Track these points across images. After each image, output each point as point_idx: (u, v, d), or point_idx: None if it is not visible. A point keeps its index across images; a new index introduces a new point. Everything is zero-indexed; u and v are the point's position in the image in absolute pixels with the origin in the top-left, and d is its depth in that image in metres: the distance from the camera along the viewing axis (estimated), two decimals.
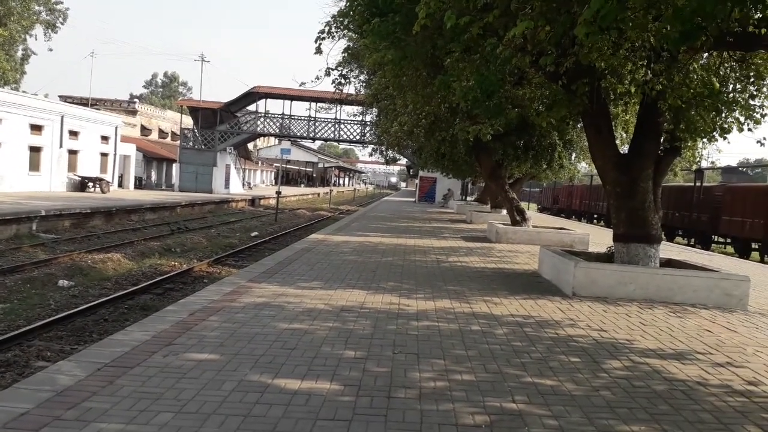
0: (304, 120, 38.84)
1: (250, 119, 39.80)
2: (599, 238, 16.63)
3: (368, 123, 36.17)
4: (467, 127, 10.13)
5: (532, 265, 10.14)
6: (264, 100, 40.05)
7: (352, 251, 10.94)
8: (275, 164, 69.74)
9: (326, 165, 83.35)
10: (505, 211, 20.22)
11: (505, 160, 16.72)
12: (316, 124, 38.88)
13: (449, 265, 9.71)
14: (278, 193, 27.13)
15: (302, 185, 73.58)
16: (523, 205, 19.20)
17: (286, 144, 66.34)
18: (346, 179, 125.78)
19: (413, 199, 45.59)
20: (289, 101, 38.98)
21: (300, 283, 7.28)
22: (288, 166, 78.48)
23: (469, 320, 5.79)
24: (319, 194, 59.20)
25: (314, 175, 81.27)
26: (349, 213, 33.62)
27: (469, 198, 44.44)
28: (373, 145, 29.98)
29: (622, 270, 7.41)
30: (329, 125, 38.81)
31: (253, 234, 20.32)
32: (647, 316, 6.40)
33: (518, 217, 15.43)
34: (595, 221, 33.76)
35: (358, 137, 38.46)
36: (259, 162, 66.35)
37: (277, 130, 39.37)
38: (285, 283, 7.22)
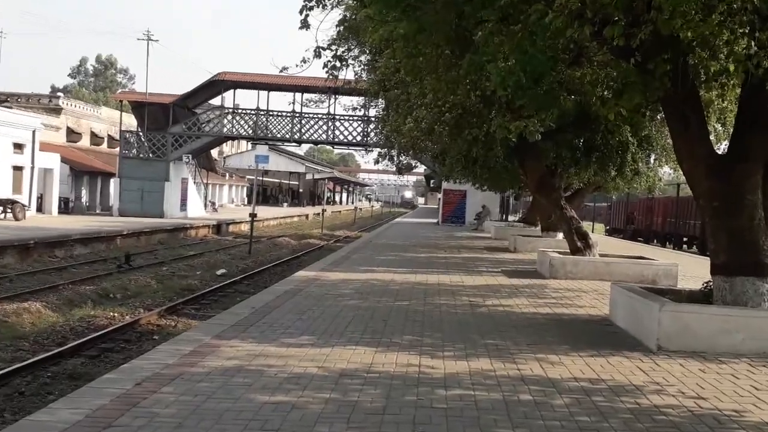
0: (287, 117, 39.34)
1: (213, 117, 40.37)
2: (692, 269, 16.57)
3: (373, 119, 36.51)
4: (507, 122, 10.19)
5: (600, 309, 10.11)
6: (232, 90, 40.69)
7: (354, 293, 10.97)
8: (248, 177, 70.37)
9: (317, 176, 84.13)
10: (561, 235, 20.17)
11: (559, 166, 16.77)
12: (303, 122, 39.34)
13: (487, 311, 9.70)
14: (252, 215, 27.32)
15: (285, 204, 74.20)
16: (586, 226, 19.17)
17: (262, 149, 66.73)
18: (344, 194, 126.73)
19: (435, 220, 45.66)
20: (266, 92, 39.56)
21: (284, 339, 7.29)
22: (266, 179, 79.14)
23: (517, 387, 5.75)
24: (307, 216, 59.54)
25: (301, 190, 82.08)
26: (348, 240, 33.70)
27: (511, 218, 44.56)
28: (379, 149, 30.32)
29: (726, 313, 7.34)
30: (320, 123, 39.24)
31: (220, 272, 20.40)
32: (762, 378, 6.32)
33: (580, 243, 15.41)
34: (685, 246, 33.61)
35: (359, 138, 38.81)
36: (227, 174, 67.07)
37: (251, 131, 39.87)
38: (264, 340, 7.24)
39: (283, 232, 40.17)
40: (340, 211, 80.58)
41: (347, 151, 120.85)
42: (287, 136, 39.66)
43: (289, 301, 9.99)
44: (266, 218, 46.21)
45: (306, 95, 38.09)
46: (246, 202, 70.03)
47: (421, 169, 54.18)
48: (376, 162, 30.51)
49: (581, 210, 30.69)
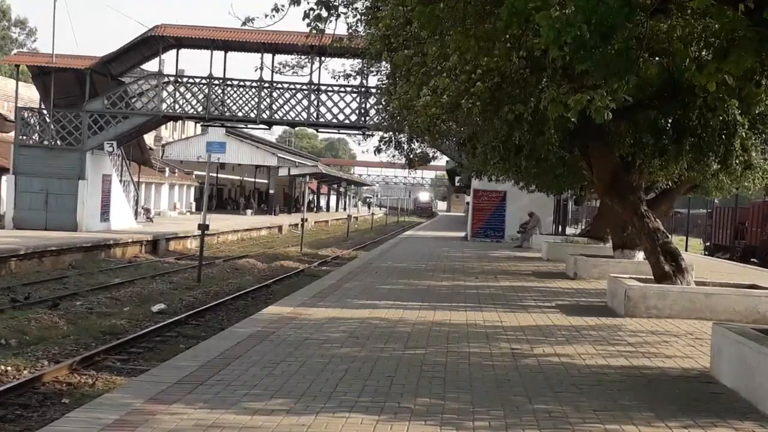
0: (252, 88, 39.48)
1: (148, 89, 40.53)
2: None
3: (373, 91, 36.58)
4: (564, 96, 10.16)
5: (697, 360, 10.11)
6: (175, 51, 40.82)
7: (346, 338, 11.01)
8: (197, 173, 70.55)
9: (294, 171, 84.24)
10: (640, 255, 20.14)
11: (638, 157, 16.78)
12: (275, 95, 39.45)
13: (536, 363, 9.72)
14: (203, 227, 27.34)
15: (249, 211, 74.33)
16: (677, 241, 19.15)
17: (217, 134, 66.66)
18: (333, 198, 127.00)
19: (462, 234, 45.64)
20: (223, 53, 39.70)
21: (248, 404, 7.30)
22: (222, 176, 79.32)
23: None
24: (280, 228, 59.66)
25: (271, 191, 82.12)
26: (339, 263, 33.66)
27: (570, 230, 44.53)
28: (382, 133, 30.27)
29: None
30: (299, 97, 39.35)
31: (157, 308, 20.40)
32: None
33: (668, 267, 15.38)
34: None
35: (353, 118, 38.91)
36: (168, 170, 67.18)
37: (201, 109, 40.00)
38: (219, 404, 7.25)
39: (246, 251, 40.18)
40: (327, 221, 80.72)
41: (337, 136, 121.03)
42: (252, 115, 39.73)
43: (254, 349, 9.99)
44: (223, 231, 46.28)
45: (279, 57, 38.21)
46: (194, 209, 70.13)
47: (442, 161, 54.32)
48: (377, 151, 30.29)
49: (670, 219, 30.56)
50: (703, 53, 8.81)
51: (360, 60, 29.45)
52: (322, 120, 39.44)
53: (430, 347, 10.51)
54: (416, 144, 29.16)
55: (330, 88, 39.04)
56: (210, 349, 10.05)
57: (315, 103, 39.17)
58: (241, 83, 39.64)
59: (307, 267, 32.83)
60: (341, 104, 38.99)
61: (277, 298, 20.07)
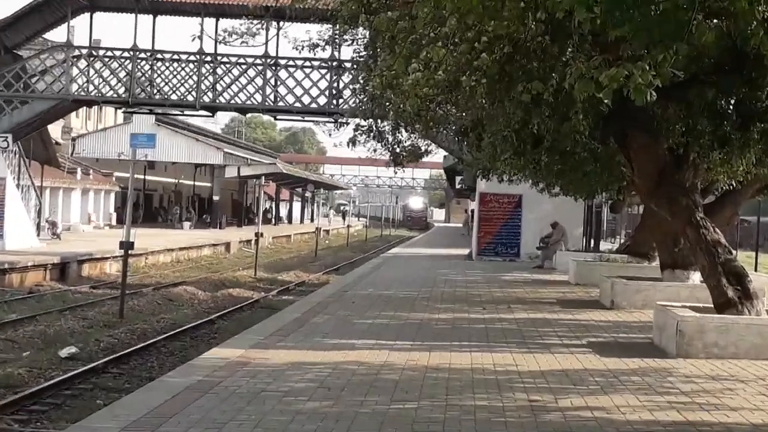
0: (189, 63, 39.37)
1: (54, 65, 40.36)
2: None
3: (347, 66, 36.54)
4: (595, 70, 10.16)
5: None
6: (88, 15, 40.66)
7: (315, 388, 10.99)
8: (119, 174, 70.13)
9: (246, 172, 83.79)
10: (696, 277, 20.10)
11: (691, 149, 16.75)
12: (219, 72, 39.37)
13: (562, 419, 9.74)
14: (127, 246, 27.17)
15: (188, 224, 73.99)
16: (742, 259, 19.14)
17: (144, 123, 66.44)
18: (297, 205, 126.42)
19: (465, 251, 45.59)
20: (151, 17, 39.57)
21: None
22: (151, 179, 79.00)
23: None
24: (228, 245, 59.43)
25: (216, 197, 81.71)
26: (305, 290, 33.59)
27: (605, 245, 44.36)
28: (360, 120, 30.11)
29: None
30: (251, 74, 39.27)
31: (67, 352, 20.25)
32: None
33: (732, 292, 15.36)
34: None
35: (322, 102, 38.87)
36: (79, 170, 66.79)
37: (122, 91, 39.88)
38: None
39: (183, 277, 40.06)
40: (288, 236, 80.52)
41: (302, 124, 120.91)
42: (190, 98, 39.68)
43: (194, 404, 9.95)
44: (153, 250, 46.06)
45: (225, 23, 38.20)
46: (115, 221, 69.76)
47: (438, 157, 54.03)
48: (353, 144, 30.18)
49: (734, 229, 30.52)
50: None
51: (330, 25, 29.34)
52: (281, 104, 39.47)
53: (424, 400, 10.45)
54: (404, 134, 29.10)
55: (291, 63, 39.07)
56: (136, 405, 9.97)
57: (272, 81, 39.18)
58: (176, 57, 39.65)
59: (263, 296, 32.71)
60: (306, 83, 39.05)
61: (223, 337, 19.97)
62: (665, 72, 9.70)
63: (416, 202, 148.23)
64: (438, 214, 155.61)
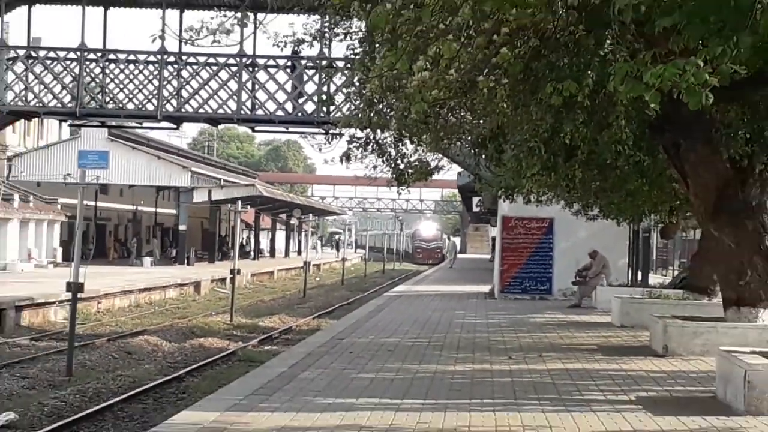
0: (150, 64, 39.40)
1: None
2: None
3: (339, 65, 36.57)
4: (641, 67, 10.16)
5: None
6: (26, 7, 40.66)
7: None
8: (64, 201, 69.94)
9: (218, 196, 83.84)
10: (767, 316, 20.01)
11: (757, 160, 16.70)
12: (185, 74, 39.37)
13: None
14: (75, 287, 27.12)
15: (148, 259, 73.76)
16: None
17: (95, 138, 66.55)
18: (280, 234, 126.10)
19: (485, 288, 45.49)
20: (102, 9, 39.59)
21: None
22: (105, 205, 78.81)
23: None
24: (198, 285, 59.22)
25: (182, 226, 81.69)
26: (292, 339, 33.70)
27: (655, 278, 44.17)
28: (355, 130, 30.03)
29: None
30: (225, 77, 39.29)
31: (3, 420, 20.15)
32: None
33: None
34: None
35: (310, 110, 38.88)
36: (16, 197, 66.79)
37: (68, 100, 39.89)
38: None
39: (145, 324, 40.06)
40: (271, 273, 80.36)
41: (285, 136, 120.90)
42: (150, 107, 39.64)
43: None
44: (107, 293, 46.01)
45: (192, 16, 38.33)
46: (61, 258, 69.66)
47: (451, 174, 53.99)
48: (347, 159, 30.02)
49: None
50: None
51: (318, 17, 29.32)
52: (260, 113, 39.43)
53: None
54: (409, 147, 28.97)
55: (272, 62, 39.07)
56: None
57: (249, 85, 39.19)
58: (132, 57, 39.66)
59: (241, 347, 32.68)
60: (290, 86, 39.01)
61: (194, 398, 19.94)
62: (724, 68, 9.68)
63: (428, 228, 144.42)
64: (451, 245, 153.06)
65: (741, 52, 9.48)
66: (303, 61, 38.14)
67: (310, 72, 38.51)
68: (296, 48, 29.62)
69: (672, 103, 11.83)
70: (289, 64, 38.68)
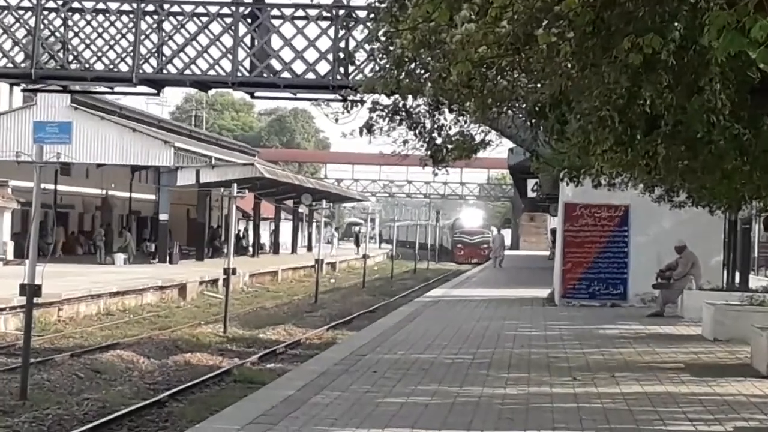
0: (122, 15, 39.47)
1: None
2: None
3: (361, 16, 36.62)
4: (743, 18, 10.15)
5: None
6: None
7: None
8: (17, 185, 70.10)
9: (208, 178, 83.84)
10: None
11: None
12: (167, 27, 39.44)
13: None
14: (32, 290, 27.22)
15: (121, 256, 73.85)
16: None
17: (54, 106, 66.91)
18: (286, 225, 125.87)
19: (543, 292, 45.41)
20: None
21: None
22: (68, 189, 79.00)
23: None
24: (183, 287, 59.22)
25: (163, 215, 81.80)
26: (302, 354, 33.90)
27: (761, 278, 43.90)
28: (380, 96, 29.97)
29: None
30: (214, 31, 39.37)
31: None
32: None
33: None
34: None
35: (323, 70, 38.91)
36: None
37: (22, 59, 40.01)
38: None
39: (117, 335, 40.21)
40: (274, 273, 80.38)
41: (293, 104, 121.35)
42: (123, 67, 39.77)
43: None
44: (70, 297, 46.08)
45: None
46: (13, 254, 69.92)
47: (500, 152, 53.74)
48: (368, 132, 29.94)
49: None
50: None
51: None
52: (264, 74, 39.47)
53: None
54: (448, 117, 28.95)
55: (276, 11, 39.09)
56: None
57: (247, 41, 39.24)
58: (102, 6, 39.75)
59: (237, 364, 32.75)
60: (299, 43, 39.09)
61: (179, 427, 20.01)
62: None
63: (471, 218, 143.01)
64: (500, 239, 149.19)
65: None
66: (316, 10, 38.18)
67: (324, 24, 38.54)
68: None
69: None
70: (299, 13, 38.73)
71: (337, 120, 31.98)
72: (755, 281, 42.36)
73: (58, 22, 39.28)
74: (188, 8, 38.83)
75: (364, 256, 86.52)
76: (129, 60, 39.00)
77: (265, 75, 39.21)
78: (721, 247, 40.92)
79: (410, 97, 26.94)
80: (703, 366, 23.04)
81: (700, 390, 19.50)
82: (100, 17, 39.09)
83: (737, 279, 41.66)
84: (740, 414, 16.93)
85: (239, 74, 39.06)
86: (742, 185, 24.37)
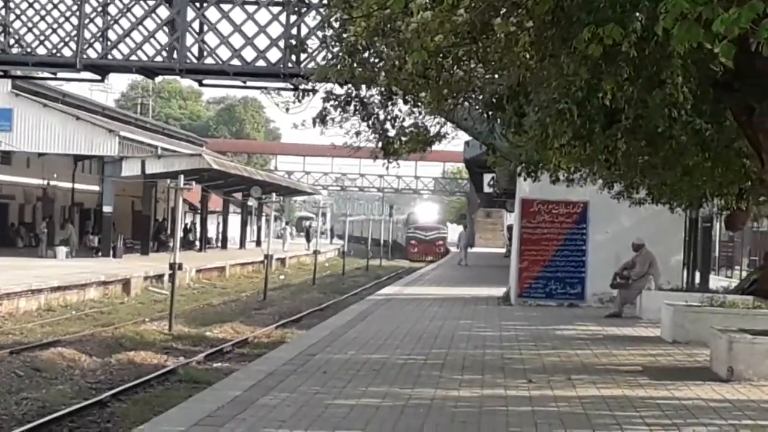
0: (63, 8, 39.35)
1: None
2: None
3: (315, 2, 36.57)
4: (705, 8, 10.15)
5: None
6: None
7: None
8: None
9: (154, 169, 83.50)
10: None
11: None
12: (113, 11, 39.34)
13: None
14: None
15: (63, 249, 73.42)
16: None
17: None
18: (235, 219, 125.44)
19: (498, 291, 45.44)
20: None
21: None
22: (6, 179, 78.51)
23: None
24: (127, 282, 59.13)
25: (107, 207, 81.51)
26: (250, 354, 33.98)
27: (717, 280, 44.14)
28: (332, 85, 29.89)
29: None
30: (161, 16, 39.29)
31: None
32: None
33: None
34: None
35: (274, 58, 38.88)
36: None
37: None
38: None
39: (58, 332, 40.16)
40: (222, 269, 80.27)
41: (242, 93, 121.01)
42: (66, 52, 39.66)
43: None
44: (8, 292, 45.82)
45: None
46: None
47: (455, 145, 53.65)
48: (321, 122, 29.86)
49: None
50: None
51: None
52: (209, 61, 39.42)
53: None
54: (402, 108, 28.86)
55: None
56: None
57: (195, 26, 39.17)
58: None
59: (182, 363, 32.78)
60: (249, 29, 39.05)
61: (121, 428, 19.94)
62: None
63: (426, 213, 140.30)
64: (454, 234, 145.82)
65: None
66: None
67: (276, 10, 38.47)
68: None
69: (745, 56, 11.81)
70: None
71: (287, 110, 31.93)
72: (716, 282, 42.52)
73: None
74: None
75: (315, 253, 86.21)
76: (73, 44, 38.91)
77: (213, 62, 39.14)
78: (681, 246, 41.04)
79: (364, 86, 26.87)
80: (662, 369, 23.10)
81: (658, 394, 19.54)
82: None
83: (697, 279, 41.83)
84: (699, 419, 16.96)
85: (187, 61, 39.05)
86: (704, 182, 24.46)
